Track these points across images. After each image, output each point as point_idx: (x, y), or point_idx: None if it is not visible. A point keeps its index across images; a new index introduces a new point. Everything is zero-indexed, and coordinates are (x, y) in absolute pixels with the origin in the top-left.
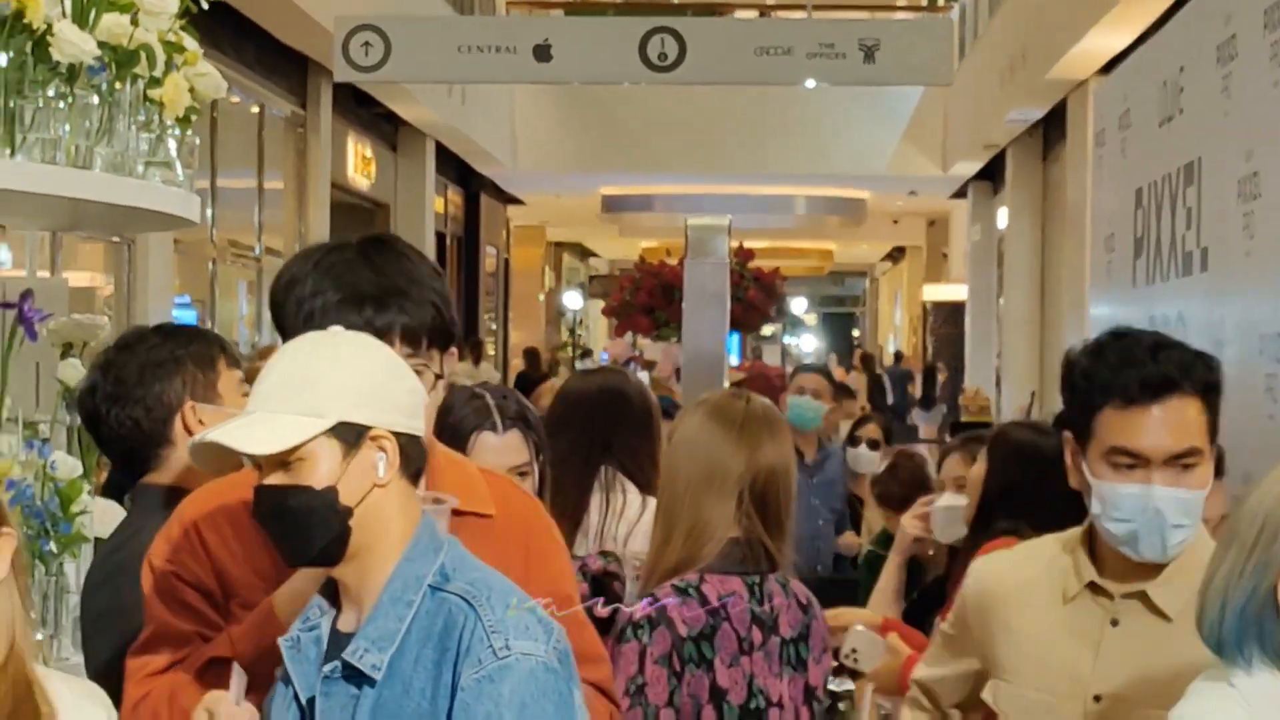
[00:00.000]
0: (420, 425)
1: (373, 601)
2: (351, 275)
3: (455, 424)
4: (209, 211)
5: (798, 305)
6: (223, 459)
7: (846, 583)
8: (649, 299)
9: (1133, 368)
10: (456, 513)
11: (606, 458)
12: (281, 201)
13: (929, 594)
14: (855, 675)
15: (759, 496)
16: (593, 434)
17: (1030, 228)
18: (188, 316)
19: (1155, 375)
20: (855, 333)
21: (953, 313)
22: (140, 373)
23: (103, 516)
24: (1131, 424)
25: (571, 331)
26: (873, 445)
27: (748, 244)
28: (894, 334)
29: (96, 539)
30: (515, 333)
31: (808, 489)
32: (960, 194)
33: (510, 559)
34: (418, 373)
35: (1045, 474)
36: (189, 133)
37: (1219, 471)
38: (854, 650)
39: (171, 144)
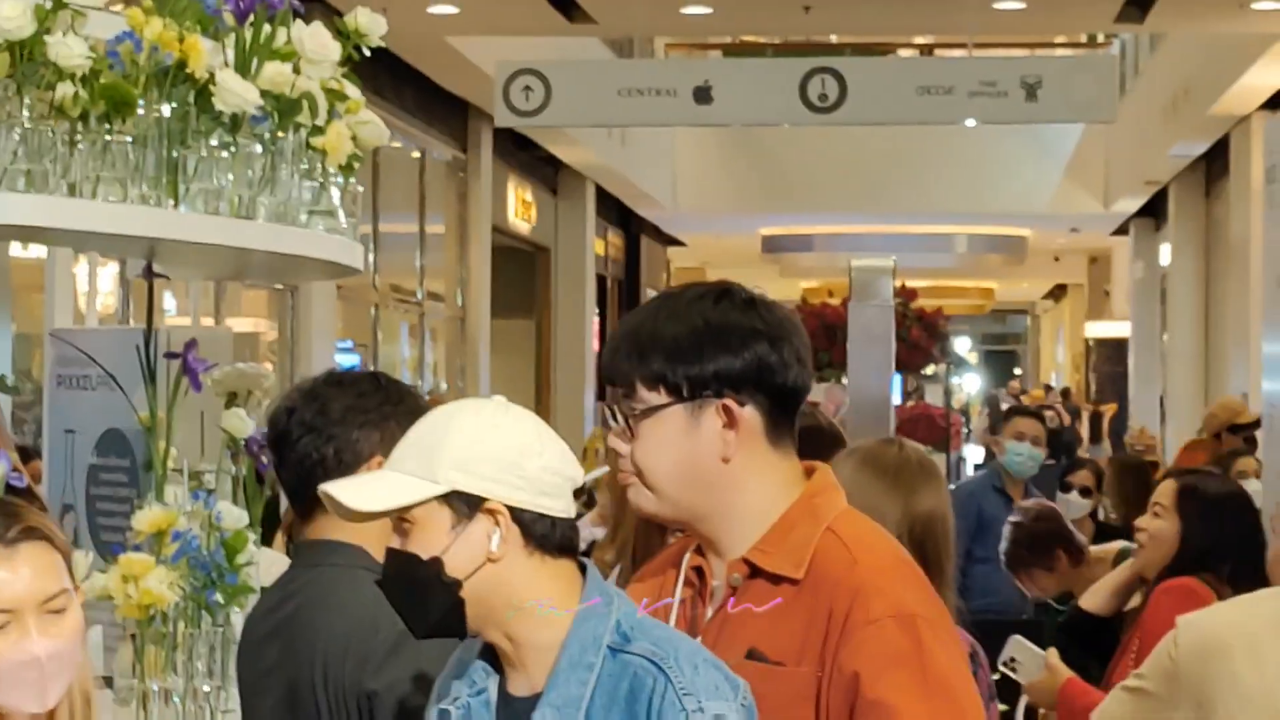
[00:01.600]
0: (557, 505)
1: (540, 666)
2: None
3: None
4: (371, 256)
5: (961, 344)
6: (351, 513)
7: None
8: (811, 339)
9: None
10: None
11: None
12: (443, 245)
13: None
14: (1012, 686)
15: (918, 544)
16: None
17: (1194, 264)
18: (351, 361)
19: None
20: (1017, 370)
21: (1115, 350)
22: (345, 413)
23: (269, 567)
24: None
25: None
26: (1084, 492)
27: (909, 283)
28: (1056, 371)
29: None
30: None
31: None
32: (1122, 231)
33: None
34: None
35: (1246, 521)
36: (352, 180)
37: None
38: (1013, 659)
39: (335, 192)
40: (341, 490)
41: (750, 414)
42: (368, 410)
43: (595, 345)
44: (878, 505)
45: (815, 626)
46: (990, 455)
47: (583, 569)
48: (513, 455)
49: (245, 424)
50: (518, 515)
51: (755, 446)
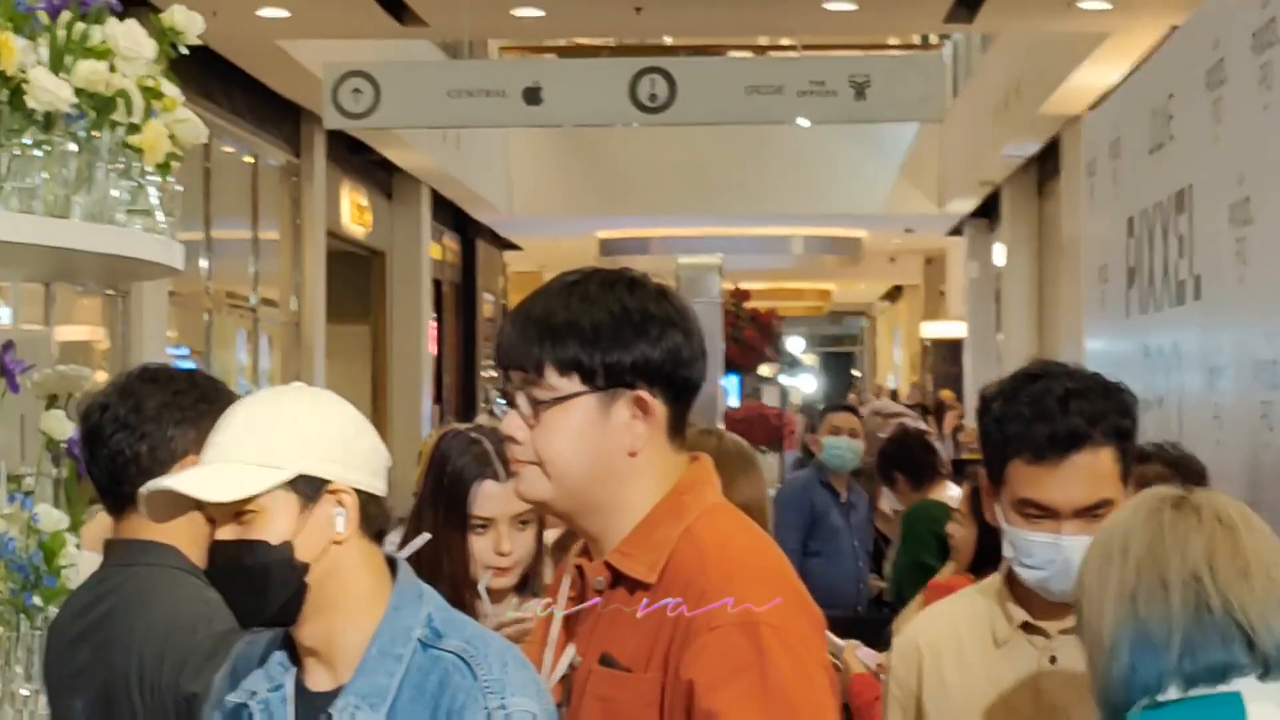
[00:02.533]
0: (382, 485)
1: (348, 658)
2: None
3: (455, 473)
4: (204, 263)
5: (795, 345)
6: (174, 508)
7: (878, 621)
8: None
9: (1042, 421)
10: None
11: None
12: (277, 251)
13: None
14: None
15: None
16: None
17: (1027, 263)
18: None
19: (1064, 430)
20: (855, 372)
21: (952, 350)
22: (160, 410)
23: (89, 569)
24: (1040, 478)
25: None
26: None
27: (745, 285)
28: (894, 373)
29: None
30: None
31: (848, 531)
32: (957, 231)
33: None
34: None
35: None
36: (170, 179)
37: None
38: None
39: (152, 191)
40: (184, 484)
41: (659, 406)
42: (183, 408)
43: (432, 349)
44: None
45: (662, 632)
46: (809, 454)
47: (390, 562)
48: (348, 436)
49: (64, 426)
50: (358, 496)
51: (658, 440)
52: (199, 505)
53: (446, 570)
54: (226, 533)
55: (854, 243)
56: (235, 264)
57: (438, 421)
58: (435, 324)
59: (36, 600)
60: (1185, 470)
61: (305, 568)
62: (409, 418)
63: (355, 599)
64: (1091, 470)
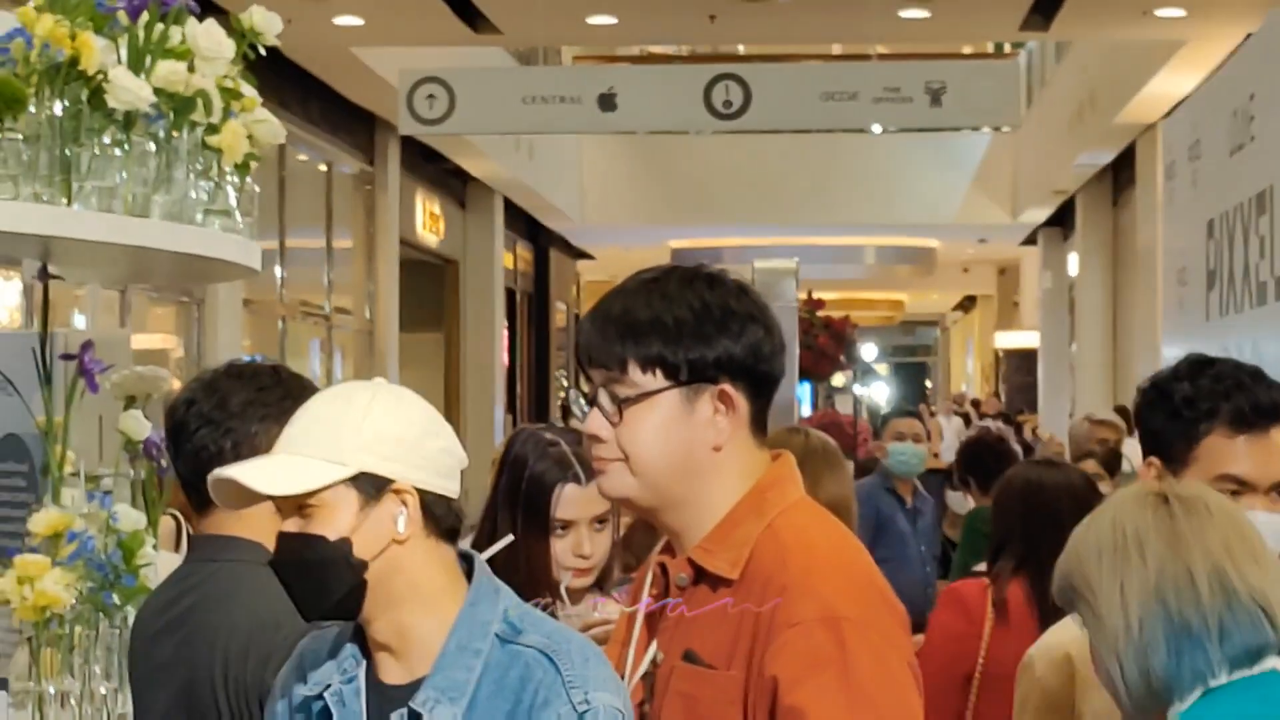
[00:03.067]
0: (453, 487)
1: (421, 652)
2: None
3: (536, 476)
4: (279, 271)
5: (868, 352)
6: (244, 497)
7: None
8: None
9: (1241, 392)
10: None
11: None
12: (351, 259)
13: None
14: None
15: None
16: None
17: (1101, 273)
18: None
19: (1266, 400)
20: (928, 383)
21: (1025, 360)
22: (245, 406)
23: (167, 569)
24: (1238, 451)
25: None
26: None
27: (818, 294)
28: (966, 383)
29: None
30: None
31: (914, 536)
32: (1030, 241)
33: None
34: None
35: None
36: (248, 180)
37: None
38: None
39: (230, 191)
40: (245, 474)
41: (741, 401)
42: (267, 404)
43: (504, 358)
44: None
45: (745, 628)
46: (875, 461)
47: (466, 558)
48: (415, 436)
49: (142, 426)
50: (422, 496)
51: (741, 436)
52: (267, 496)
53: (525, 573)
54: (290, 525)
55: (927, 252)
56: (309, 272)
57: (510, 430)
58: (508, 333)
59: (115, 599)
60: None
61: (363, 565)
62: (482, 426)
63: (426, 596)
64: None
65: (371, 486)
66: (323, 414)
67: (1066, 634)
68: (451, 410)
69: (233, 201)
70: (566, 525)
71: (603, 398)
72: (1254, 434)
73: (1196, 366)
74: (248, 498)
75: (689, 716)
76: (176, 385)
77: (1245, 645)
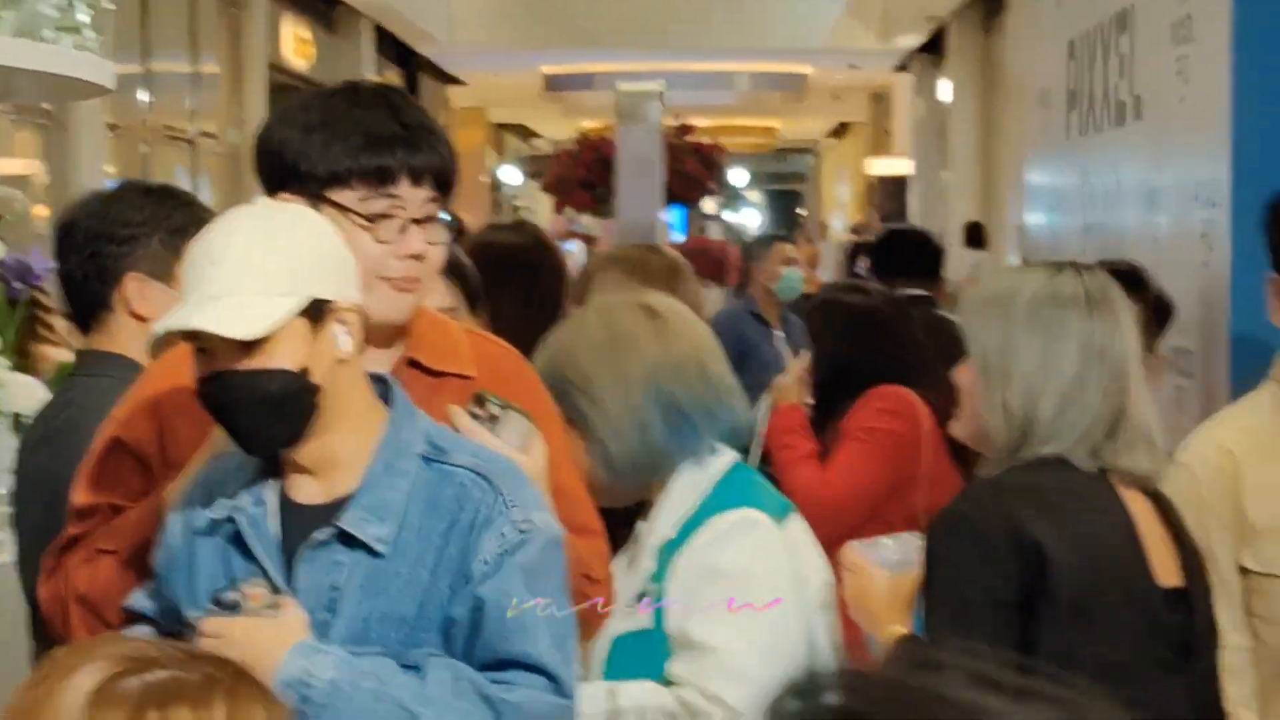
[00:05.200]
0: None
1: (344, 473)
2: (370, 118)
3: None
4: (142, 95)
5: (738, 178)
6: (166, 343)
7: None
8: (587, 173)
9: None
10: (435, 374)
11: None
12: (217, 84)
13: None
14: None
15: None
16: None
17: (973, 100)
18: None
19: None
20: (802, 211)
21: (897, 186)
22: (108, 224)
23: (26, 392)
24: None
25: (515, 209)
26: None
27: (689, 121)
28: (840, 210)
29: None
30: (460, 212)
31: (778, 363)
32: (903, 68)
33: None
34: (393, 215)
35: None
36: None
37: (1163, 323)
38: None
39: (82, 8)
40: (206, 322)
41: None
42: (129, 223)
43: None
44: None
45: None
46: (741, 287)
47: (380, 380)
48: (337, 252)
49: None
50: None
51: None
52: (191, 336)
53: None
54: (234, 364)
55: (798, 79)
56: (174, 97)
57: None
58: None
59: None
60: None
61: (318, 390)
62: None
63: (354, 416)
64: None
65: (316, 310)
66: (253, 247)
67: (1213, 432)
68: None
69: (84, 18)
70: None
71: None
72: None
73: None
74: (173, 342)
75: None
76: (39, 210)
77: (729, 425)
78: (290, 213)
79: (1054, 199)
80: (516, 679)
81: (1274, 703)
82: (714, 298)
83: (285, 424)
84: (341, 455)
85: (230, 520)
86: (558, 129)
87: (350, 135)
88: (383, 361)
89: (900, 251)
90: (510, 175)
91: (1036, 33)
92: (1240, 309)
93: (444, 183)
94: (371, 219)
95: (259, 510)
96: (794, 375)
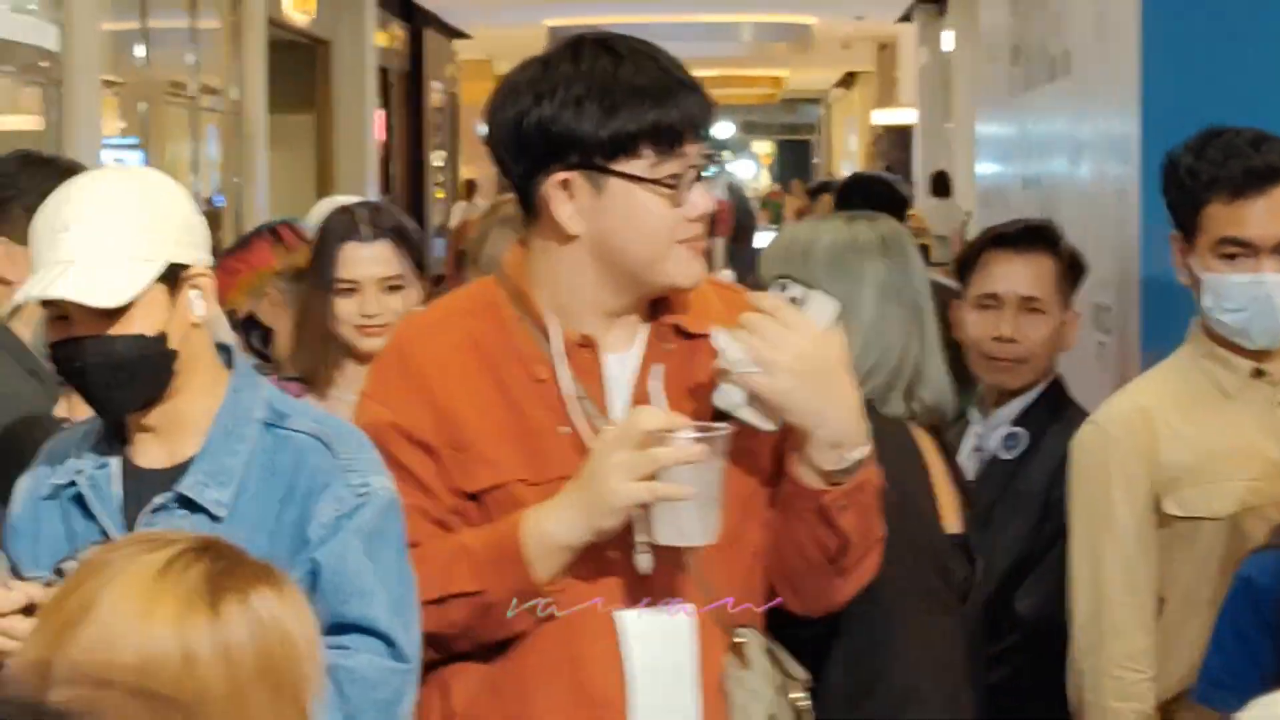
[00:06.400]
0: (210, 259)
1: (187, 437)
2: (640, 77)
3: (322, 234)
4: (140, 51)
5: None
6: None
7: None
8: None
9: (1236, 159)
10: (692, 335)
11: None
12: (217, 40)
13: None
14: None
15: None
16: None
17: (974, 49)
18: (132, 158)
19: (1260, 165)
20: (815, 160)
21: (902, 136)
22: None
23: None
24: (1239, 214)
25: None
26: None
27: (697, 72)
28: (849, 159)
29: None
30: (465, 168)
31: None
32: (907, 18)
33: None
34: (682, 175)
35: None
36: None
37: (1075, 280)
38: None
39: None
40: (68, 291)
41: None
42: (6, 188)
43: (379, 137)
44: None
45: None
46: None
47: (223, 348)
48: (190, 216)
49: None
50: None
51: None
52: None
53: (308, 329)
54: (92, 328)
55: (804, 29)
56: (173, 53)
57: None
58: (383, 113)
59: None
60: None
61: (175, 355)
62: None
63: (202, 379)
64: None
65: (172, 276)
66: (109, 212)
67: (1130, 392)
68: (324, 190)
69: None
70: (352, 285)
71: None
72: (1250, 197)
73: (1203, 138)
74: (46, 305)
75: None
76: None
77: None
78: (146, 177)
79: (999, 150)
80: (354, 643)
81: (1178, 643)
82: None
83: (141, 388)
84: (187, 418)
85: (73, 484)
86: None
87: (629, 99)
88: (633, 327)
89: (862, 198)
90: None
91: None
92: (1152, 266)
93: (709, 131)
94: (666, 183)
95: (102, 473)
96: None
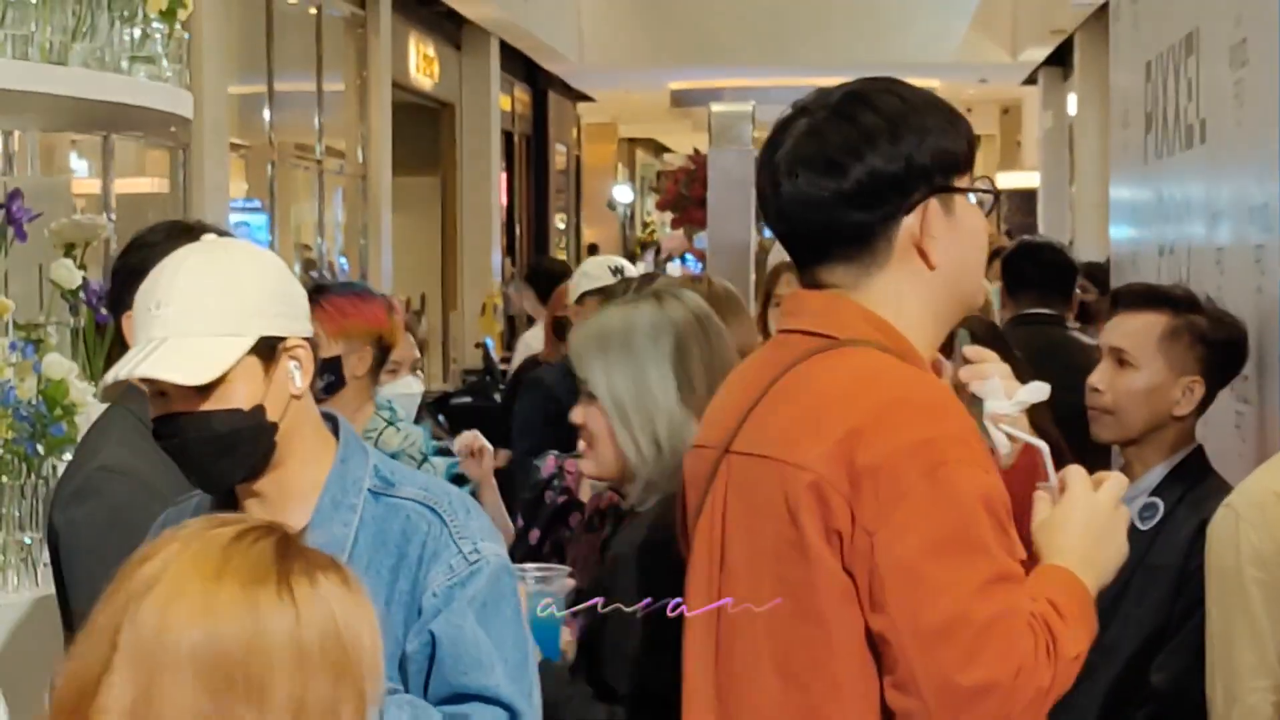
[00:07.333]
0: (311, 328)
1: (296, 506)
2: (925, 105)
3: None
4: (267, 114)
5: None
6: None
7: None
8: (703, 190)
9: None
10: None
11: None
12: (343, 104)
13: None
14: None
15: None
16: None
17: (1099, 113)
18: (258, 221)
19: None
20: None
21: (1026, 200)
22: (131, 268)
23: None
24: None
25: (645, 226)
26: None
27: None
28: None
29: None
30: (588, 230)
31: None
32: (1031, 81)
33: None
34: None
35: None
36: (177, 27)
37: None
38: None
39: (158, 39)
40: (155, 370)
41: None
42: (145, 262)
43: (503, 200)
44: None
45: None
46: None
47: (329, 418)
48: (285, 287)
49: (73, 275)
50: (309, 348)
51: None
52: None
53: None
54: (190, 405)
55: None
56: (300, 115)
57: (509, 273)
58: (506, 176)
59: (39, 449)
60: (1223, 324)
61: (275, 427)
62: (479, 269)
63: (310, 448)
64: None
65: (267, 348)
66: (199, 288)
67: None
68: (448, 254)
69: (159, 49)
70: None
71: None
72: None
73: None
74: (145, 382)
75: None
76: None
77: None
78: (238, 250)
79: (1134, 217)
80: (475, 713)
81: None
82: None
83: (241, 462)
84: (294, 489)
85: None
86: (688, 143)
87: (941, 123)
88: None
89: (1032, 265)
90: (622, 194)
91: (1117, 53)
92: None
93: None
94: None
95: None
96: None
